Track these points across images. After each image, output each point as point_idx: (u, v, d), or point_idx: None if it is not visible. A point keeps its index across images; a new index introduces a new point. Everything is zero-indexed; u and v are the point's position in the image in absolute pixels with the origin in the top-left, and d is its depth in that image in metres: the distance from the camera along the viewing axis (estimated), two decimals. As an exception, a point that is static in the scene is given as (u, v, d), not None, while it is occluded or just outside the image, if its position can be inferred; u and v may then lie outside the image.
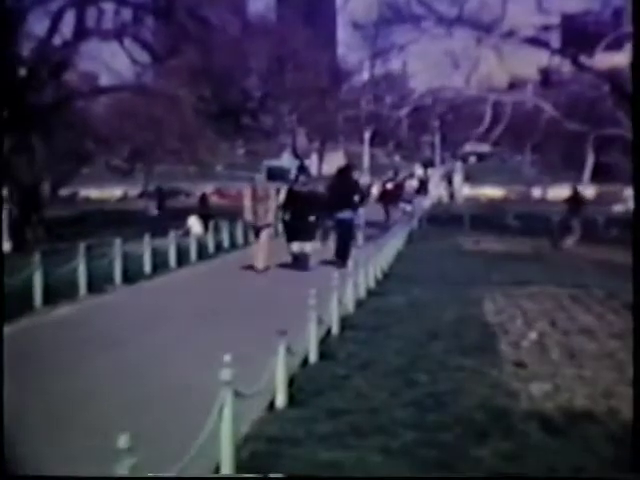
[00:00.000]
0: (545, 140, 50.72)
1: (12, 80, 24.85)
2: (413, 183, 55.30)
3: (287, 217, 16.87)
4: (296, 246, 16.62)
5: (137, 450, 3.84)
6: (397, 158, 73.70)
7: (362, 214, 19.22)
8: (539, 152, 61.39)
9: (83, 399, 7.12)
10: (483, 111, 36.77)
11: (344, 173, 18.98)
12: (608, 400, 7.07)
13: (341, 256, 16.25)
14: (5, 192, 26.77)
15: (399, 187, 36.67)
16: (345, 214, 17.36)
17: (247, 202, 16.75)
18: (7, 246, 21.17)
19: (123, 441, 3.81)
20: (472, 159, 70.33)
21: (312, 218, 16.76)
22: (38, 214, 25.35)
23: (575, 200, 26.65)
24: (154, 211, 25.91)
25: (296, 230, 16.52)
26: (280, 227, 18.24)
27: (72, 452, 5.74)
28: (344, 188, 17.83)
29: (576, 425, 6.41)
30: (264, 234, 16.47)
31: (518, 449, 5.86)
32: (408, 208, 33.09)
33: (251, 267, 16.46)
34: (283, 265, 16.73)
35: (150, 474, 4.19)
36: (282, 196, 17.96)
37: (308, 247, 16.62)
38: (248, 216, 16.84)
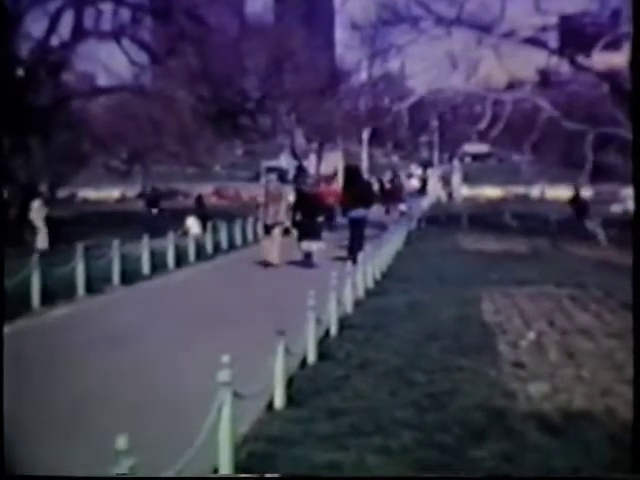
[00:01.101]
0: (544, 140, 50.69)
1: (10, 81, 24.84)
2: (413, 183, 55.41)
3: (298, 217, 17.50)
4: (305, 245, 17.33)
5: (136, 451, 3.84)
6: (395, 158, 73.70)
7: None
8: (538, 152, 61.38)
9: (81, 400, 7.11)
10: (482, 111, 36.76)
11: (355, 173, 20.23)
12: (606, 400, 7.07)
13: (355, 252, 16.46)
14: (5, 193, 26.83)
15: (398, 187, 36.75)
16: (358, 213, 17.93)
17: (261, 201, 17.92)
18: (43, 243, 21.49)
19: (122, 442, 3.81)
20: (471, 159, 70.36)
21: (320, 218, 17.65)
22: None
23: (577, 201, 26.66)
24: (153, 210, 25.82)
25: (306, 229, 17.26)
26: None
27: (71, 453, 5.73)
28: (356, 188, 18.64)
29: (574, 425, 6.41)
30: (275, 232, 17.21)
31: (516, 450, 5.86)
32: (404, 208, 33.12)
33: (253, 265, 17.26)
34: (290, 263, 17.32)
35: (149, 475, 4.19)
36: (291, 197, 18.54)
37: (315, 246, 17.38)
38: (261, 214, 17.89)
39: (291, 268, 17.08)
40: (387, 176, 40.88)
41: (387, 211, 30.82)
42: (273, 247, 17.19)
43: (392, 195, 33.59)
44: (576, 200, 26.66)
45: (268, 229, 17.33)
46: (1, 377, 6.50)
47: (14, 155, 25.06)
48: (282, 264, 17.08)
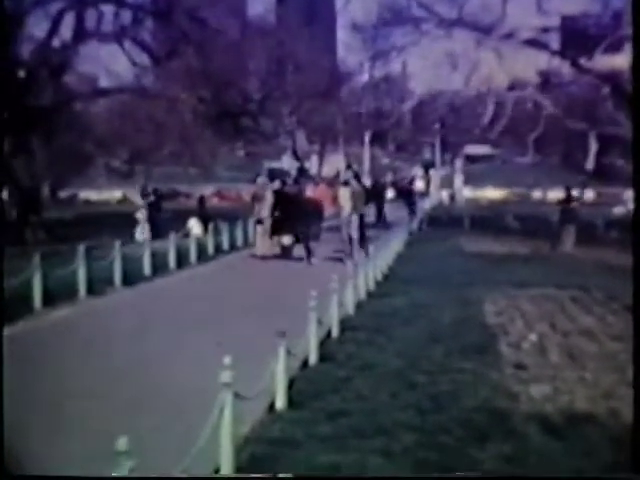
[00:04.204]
0: (546, 141, 50.66)
1: (12, 82, 24.85)
2: (418, 184, 55.37)
3: (276, 214, 18.98)
4: (284, 239, 18.87)
5: (136, 452, 3.82)
6: (397, 160, 73.63)
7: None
8: (540, 154, 61.34)
9: (82, 401, 7.10)
10: (483, 112, 36.74)
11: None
12: (608, 402, 7.05)
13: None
14: (5, 194, 26.85)
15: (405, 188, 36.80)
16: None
17: (249, 200, 20.62)
18: (144, 235, 22.46)
19: (122, 444, 3.80)
20: (473, 161, 70.22)
21: (296, 215, 18.74)
22: (37, 216, 25.35)
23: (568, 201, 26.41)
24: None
25: (280, 225, 18.80)
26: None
27: (71, 453, 5.72)
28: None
29: (576, 427, 6.40)
30: (260, 227, 19.27)
31: (518, 451, 5.85)
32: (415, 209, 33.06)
33: (254, 265, 18.26)
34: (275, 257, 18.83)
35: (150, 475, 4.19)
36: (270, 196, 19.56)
37: (287, 240, 18.87)
38: (251, 212, 20.20)
39: (293, 268, 17.25)
40: (388, 177, 40.85)
41: (379, 213, 30.77)
42: (258, 240, 19.37)
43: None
44: (565, 203, 26.28)
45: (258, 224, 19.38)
46: (1, 377, 6.48)
47: (16, 156, 25.08)
48: (267, 255, 18.76)
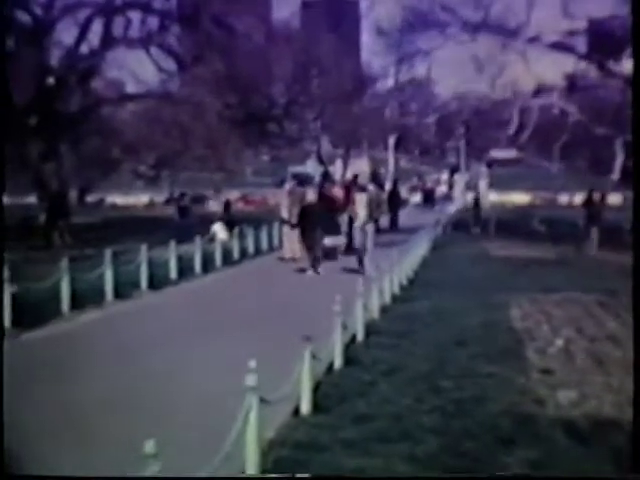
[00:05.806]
0: (572, 146, 50.33)
1: (41, 88, 25.17)
2: (442, 189, 55.16)
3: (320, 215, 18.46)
4: (328, 240, 18.55)
5: (163, 456, 3.86)
6: (422, 164, 73.49)
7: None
8: (566, 158, 60.92)
9: (108, 405, 7.17)
10: (509, 116, 36.65)
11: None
12: (635, 408, 7.00)
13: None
14: (34, 199, 27.16)
15: (431, 192, 36.92)
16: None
17: (284, 202, 19.80)
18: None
19: (149, 447, 3.84)
20: (498, 165, 69.88)
21: (337, 218, 18.97)
22: (65, 220, 25.60)
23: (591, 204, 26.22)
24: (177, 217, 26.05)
25: (328, 226, 18.38)
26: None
27: (96, 458, 5.79)
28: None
29: (603, 433, 6.36)
30: (291, 230, 19.03)
31: (544, 457, 5.82)
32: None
33: (279, 270, 18.09)
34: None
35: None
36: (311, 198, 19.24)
37: (339, 241, 19.08)
38: (284, 214, 19.67)
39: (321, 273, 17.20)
40: (412, 182, 40.82)
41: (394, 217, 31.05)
42: (286, 243, 19.30)
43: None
44: (588, 205, 26.08)
45: (291, 228, 19.10)
46: (1, 380, 6.48)
47: (45, 161, 25.38)
48: (297, 258, 18.56)
